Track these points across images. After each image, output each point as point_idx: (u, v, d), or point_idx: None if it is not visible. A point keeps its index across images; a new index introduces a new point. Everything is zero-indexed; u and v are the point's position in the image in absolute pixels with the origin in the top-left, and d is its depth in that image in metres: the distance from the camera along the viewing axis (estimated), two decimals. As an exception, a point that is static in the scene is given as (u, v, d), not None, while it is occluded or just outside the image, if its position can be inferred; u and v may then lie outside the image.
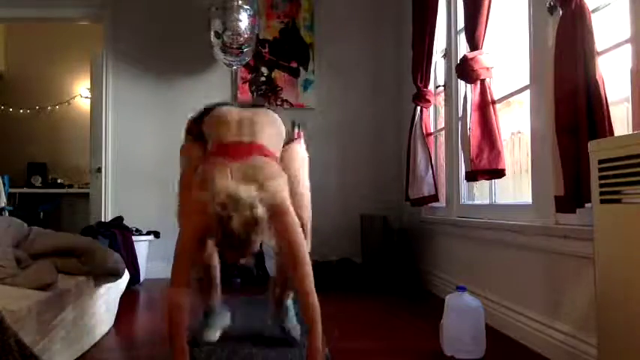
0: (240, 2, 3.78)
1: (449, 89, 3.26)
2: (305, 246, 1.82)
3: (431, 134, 3.56)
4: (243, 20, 3.80)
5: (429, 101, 3.48)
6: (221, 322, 2.28)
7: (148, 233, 3.97)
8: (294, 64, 4.28)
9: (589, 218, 1.52)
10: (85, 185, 5.60)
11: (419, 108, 3.51)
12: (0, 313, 1.28)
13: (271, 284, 2.32)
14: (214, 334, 2.21)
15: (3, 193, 4.60)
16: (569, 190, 1.79)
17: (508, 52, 2.68)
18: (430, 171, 3.36)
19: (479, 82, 2.53)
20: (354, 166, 4.32)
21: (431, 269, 3.52)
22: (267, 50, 4.27)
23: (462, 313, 2.02)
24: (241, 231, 1.57)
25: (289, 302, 2.30)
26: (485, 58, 2.55)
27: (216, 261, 2.23)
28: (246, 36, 3.81)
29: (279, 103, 4.21)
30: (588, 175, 1.44)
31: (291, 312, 2.29)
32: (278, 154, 2.01)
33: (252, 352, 2.03)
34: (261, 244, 1.74)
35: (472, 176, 2.56)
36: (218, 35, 3.86)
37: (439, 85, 3.54)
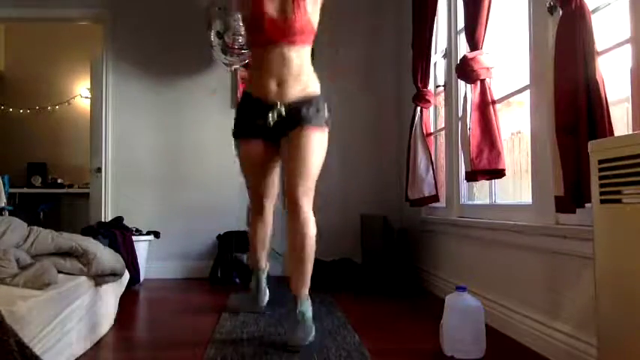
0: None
1: (449, 89, 3.26)
2: None
3: (431, 134, 3.56)
4: (244, 20, 3.79)
5: (428, 101, 3.48)
6: (266, 292, 2.80)
7: (148, 233, 3.98)
8: (294, 64, 4.27)
9: (589, 218, 1.52)
10: (85, 185, 5.60)
11: (419, 108, 3.51)
12: (0, 313, 1.28)
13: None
14: (264, 301, 2.77)
15: (3, 193, 4.59)
16: (569, 190, 1.79)
17: (508, 52, 2.68)
18: (431, 171, 3.36)
19: (479, 82, 2.53)
20: (354, 166, 4.32)
21: (431, 269, 3.52)
22: (267, 50, 4.27)
23: (462, 313, 2.02)
24: None
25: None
26: (485, 58, 2.55)
27: (269, 228, 2.72)
28: (247, 36, 3.82)
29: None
30: (588, 175, 1.44)
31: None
32: None
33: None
34: None
35: (472, 176, 2.56)
36: (220, 35, 3.86)
37: (439, 85, 3.54)
